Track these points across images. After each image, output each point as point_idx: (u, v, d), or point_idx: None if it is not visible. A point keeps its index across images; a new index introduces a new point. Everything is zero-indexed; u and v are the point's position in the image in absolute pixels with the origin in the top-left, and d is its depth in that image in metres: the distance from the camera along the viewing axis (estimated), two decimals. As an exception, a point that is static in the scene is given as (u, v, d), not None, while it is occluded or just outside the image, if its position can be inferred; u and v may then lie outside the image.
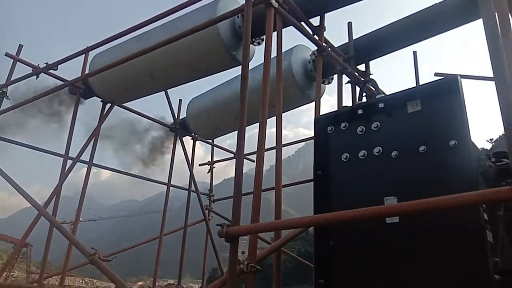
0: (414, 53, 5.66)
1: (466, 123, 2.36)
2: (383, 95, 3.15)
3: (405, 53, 5.26)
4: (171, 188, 7.44)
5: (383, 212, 2.01)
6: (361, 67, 5.12)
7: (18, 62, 6.12)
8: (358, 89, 4.68)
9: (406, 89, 2.80)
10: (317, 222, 2.48)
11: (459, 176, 2.28)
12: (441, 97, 2.52)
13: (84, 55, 5.91)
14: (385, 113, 2.73)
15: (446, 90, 2.51)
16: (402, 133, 2.61)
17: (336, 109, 3.98)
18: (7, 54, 6.13)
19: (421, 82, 5.26)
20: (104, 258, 3.62)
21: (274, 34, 3.64)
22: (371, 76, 4.98)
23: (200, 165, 8.90)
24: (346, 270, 2.57)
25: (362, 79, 4.77)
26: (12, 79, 6.06)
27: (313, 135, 3.14)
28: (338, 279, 2.57)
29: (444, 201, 1.80)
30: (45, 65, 5.93)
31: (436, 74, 5.46)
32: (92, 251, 3.65)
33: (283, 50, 3.84)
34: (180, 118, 7.42)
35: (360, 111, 2.85)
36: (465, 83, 2.55)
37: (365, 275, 2.47)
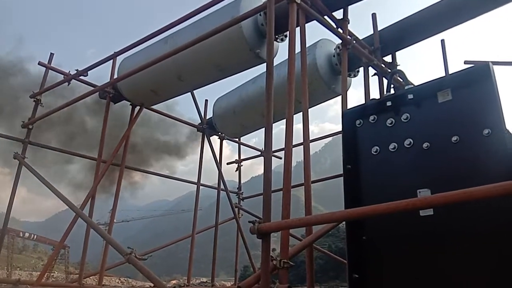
0: (442, 41, 5.51)
1: (500, 111, 2.29)
2: (412, 86, 3.09)
3: (433, 42, 5.14)
4: (200, 187, 7.54)
5: (417, 205, 1.98)
6: (388, 59, 5.03)
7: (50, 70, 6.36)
8: (385, 81, 4.60)
9: (436, 79, 2.73)
10: (349, 217, 2.46)
11: (494, 165, 2.22)
12: (473, 85, 2.46)
13: (112, 60, 6.07)
14: (414, 104, 2.69)
15: (478, 77, 2.45)
16: (433, 124, 2.56)
17: (363, 102, 3.93)
18: (39, 63, 6.37)
19: (450, 71, 5.12)
20: (140, 257, 3.71)
21: (298, 29, 3.63)
22: (398, 67, 4.88)
23: (228, 163, 8.98)
24: (381, 264, 2.54)
25: (389, 70, 4.68)
26: (44, 86, 6.29)
27: (340, 129, 3.11)
28: (372, 273, 2.55)
29: (480, 192, 1.76)
30: (75, 71, 6.13)
31: (466, 62, 5.30)
32: (128, 251, 3.75)
33: (307, 45, 3.82)
34: (207, 118, 7.51)
35: (389, 103, 2.81)
36: (497, 69, 2.47)
37: (400, 268, 2.44)
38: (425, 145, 2.52)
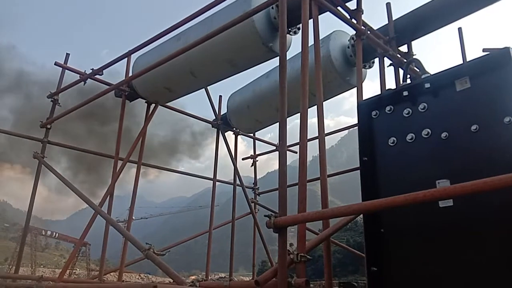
0: (459, 29, 5.38)
1: (522, 98, 2.22)
2: (429, 75, 3.03)
3: (450, 30, 5.02)
4: (216, 183, 7.57)
5: (436, 196, 1.93)
6: (403, 48, 4.94)
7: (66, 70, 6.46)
8: (401, 71, 4.51)
9: (453, 67, 2.67)
10: (366, 209, 2.43)
11: (517, 154, 2.16)
12: (492, 72, 2.40)
13: (126, 58, 6.11)
14: (432, 93, 2.63)
15: (497, 64, 2.38)
16: (452, 113, 2.50)
17: (379, 93, 3.87)
18: (56, 63, 6.46)
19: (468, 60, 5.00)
20: (158, 252, 3.75)
21: (311, 21, 3.58)
22: (414, 57, 4.78)
23: (243, 159, 8.99)
24: (399, 257, 2.51)
25: (405, 60, 4.59)
26: (61, 86, 6.39)
27: (356, 122, 3.07)
28: (391, 266, 2.52)
29: (500, 181, 1.71)
30: (91, 71, 6.20)
31: (484, 50, 5.15)
32: (146, 246, 3.79)
33: (321, 37, 3.77)
34: (221, 114, 7.51)
35: (405, 93, 2.76)
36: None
37: (419, 261, 2.40)
38: (443, 135, 2.47)
